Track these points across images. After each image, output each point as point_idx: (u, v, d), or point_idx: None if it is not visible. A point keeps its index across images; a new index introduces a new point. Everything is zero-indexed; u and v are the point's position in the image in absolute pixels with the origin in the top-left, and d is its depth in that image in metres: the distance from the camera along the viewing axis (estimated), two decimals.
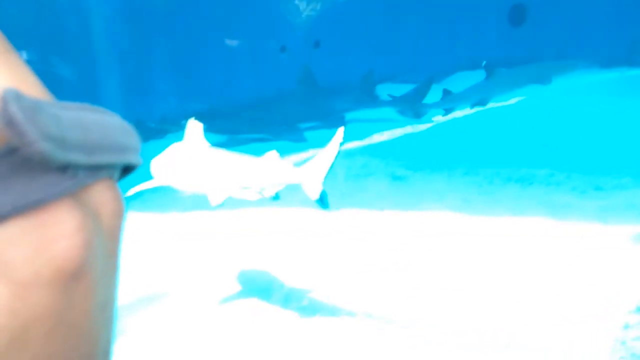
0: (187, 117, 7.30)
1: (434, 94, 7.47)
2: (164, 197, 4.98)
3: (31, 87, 0.33)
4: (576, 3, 10.17)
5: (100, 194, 0.33)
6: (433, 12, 9.78)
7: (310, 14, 8.79)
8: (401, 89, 9.21)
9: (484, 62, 6.36)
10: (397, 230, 4.35)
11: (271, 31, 8.36)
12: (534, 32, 10.06)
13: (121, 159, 0.35)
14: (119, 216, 0.35)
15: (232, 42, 8.04)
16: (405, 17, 9.76)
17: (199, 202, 3.70)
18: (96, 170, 0.33)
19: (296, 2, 8.73)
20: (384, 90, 8.81)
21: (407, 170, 5.77)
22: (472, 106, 7.31)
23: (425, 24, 9.66)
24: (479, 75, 7.44)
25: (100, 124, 0.34)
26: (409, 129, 7.28)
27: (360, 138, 6.89)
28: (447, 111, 7.32)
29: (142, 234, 4.35)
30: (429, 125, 7.43)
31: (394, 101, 7.75)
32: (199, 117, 3.36)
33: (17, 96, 0.29)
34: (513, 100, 7.93)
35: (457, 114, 7.53)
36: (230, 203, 3.06)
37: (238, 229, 4.46)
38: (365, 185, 5.34)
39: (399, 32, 9.62)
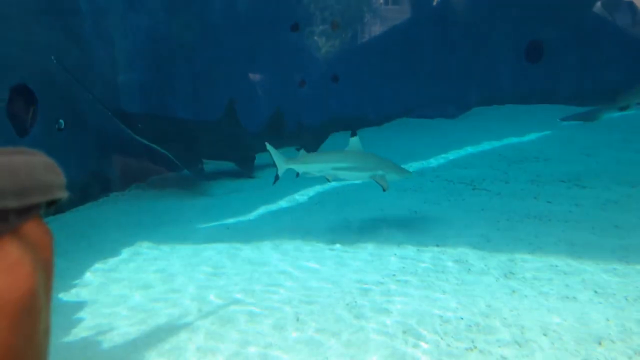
0: None
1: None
2: None
3: None
4: (593, 39, 10.24)
5: (32, 230, 0.36)
6: (450, 49, 9.90)
7: (329, 49, 8.95)
8: (419, 123, 9.28)
9: None
10: (416, 264, 4.31)
11: (292, 66, 8.50)
12: (551, 68, 10.12)
13: (47, 197, 0.38)
14: (50, 248, 0.38)
15: (253, 76, 8.18)
16: (423, 54, 9.88)
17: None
18: (27, 210, 0.36)
19: (316, 38, 8.89)
20: (403, 124, 8.87)
21: (424, 204, 5.76)
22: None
23: (443, 60, 9.76)
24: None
25: (28, 167, 0.37)
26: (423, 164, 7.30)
27: None
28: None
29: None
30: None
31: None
32: None
33: None
34: (530, 136, 7.92)
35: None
36: None
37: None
38: (380, 220, 5.33)
39: (418, 67, 9.72)
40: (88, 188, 5.84)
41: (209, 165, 7.20)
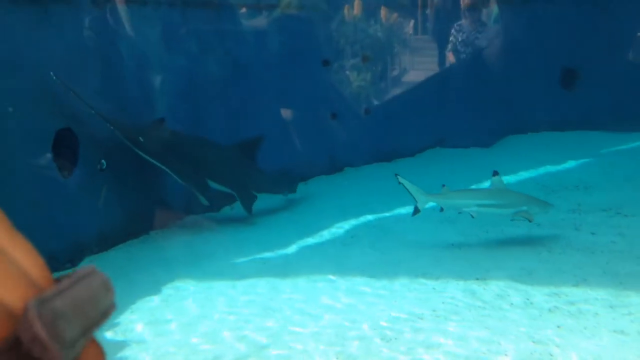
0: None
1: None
2: None
3: (38, 268, 0.37)
4: (627, 65, 10.11)
5: (89, 352, 0.39)
6: (483, 77, 9.89)
7: (360, 83, 9.04)
8: (453, 153, 9.24)
9: None
10: (458, 299, 4.25)
11: (323, 100, 8.61)
12: (585, 95, 10.00)
13: (104, 321, 0.41)
14: None
15: (285, 112, 8.31)
16: (455, 82, 9.90)
17: None
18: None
19: (347, 72, 9.01)
20: (436, 154, 8.83)
21: (462, 236, 5.70)
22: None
23: (476, 88, 9.75)
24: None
25: (90, 295, 0.40)
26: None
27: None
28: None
29: None
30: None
31: None
32: None
33: (39, 312, 0.34)
34: (569, 164, 7.80)
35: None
36: None
37: None
38: (421, 253, 5.29)
39: (450, 96, 9.73)
40: (129, 226, 5.97)
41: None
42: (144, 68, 6.49)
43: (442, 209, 5.38)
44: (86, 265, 0.41)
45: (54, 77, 4.93)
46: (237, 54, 7.53)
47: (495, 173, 5.46)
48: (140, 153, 5.76)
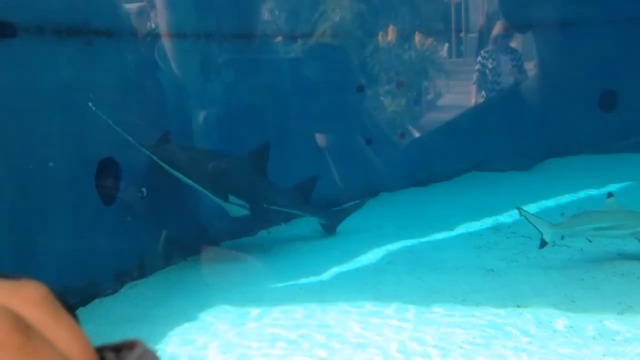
0: (278, 213, 7.47)
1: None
2: None
3: (82, 350, 0.38)
4: None
5: None
6: (520, 99, 9.80)
7: (395, 109, 9.07)
8: (490, 177, 9.12)
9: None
10: (498, 327, 4.16)
11: (358, 126, 8.66)
12: (625, 117, 9.79)
13: None
14: None
15: (320, 138, 8.37)
16: (491, 105, 9.83)
17: None
18: None
19: (381, 98, 9.05)
20: (473, 178, 8.74)
21: (501, 262, 5.59)
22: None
23: (513, 110, 9.66)
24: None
25: None
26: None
27: (450, 228, 6.79)
28: None
29: None
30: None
31: None
32: None
33: None
34: (611, 187, 7.59)
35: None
36: None
37: None
38: (459, 279, 5.21)
39: (486, 120, 9.65)
40: (168, 252, 6.07)
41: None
42: (183, 98, 6.66)
43: (562, 237, 5.32)
44: (131, 339, 0.42)
45: (90, 105, 4.98)
46: (272, 82, 7.67)
47: (610, 195, 5.42)
48: (174, 171, 5.78)
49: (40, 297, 0.36)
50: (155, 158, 5.69)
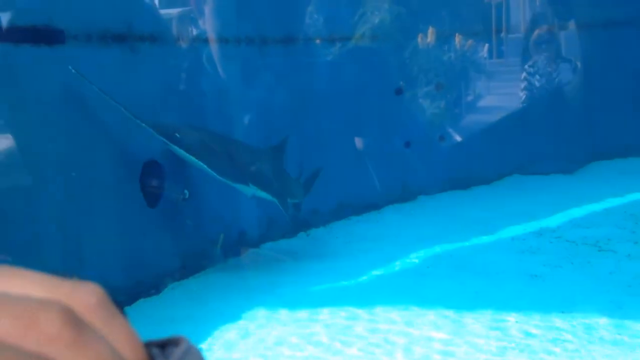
0: (316, 214, 7.54)
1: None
2: None
3: (136, 352, 0.38)
4: None
5: None
6: (564, 100, 9.59)
7: (434, 111, 8.98)
8: (532, 180, 8.94)
9: None
10: (542, 334, 4.08)
11: (397, 129, 8.61)
12: None
13: None
14: None
15: (359, 141, 8.36)
16: (534, 106, 9.65)
17: None
18: None
19: (420, 100, 8.98)
20: (515, 181, 8.57)
21: (545, 268, 5.47)
22: None
23: (557, 112, 9.45)
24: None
25: None
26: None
27: (491, 232, 6.68)
28: None
29: None
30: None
31: None
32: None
33: None
34: None
35: None
36: None
37: None
38: (502, 284, 5.12)
39: (529, 121, 9.48)
40: (207, 254, 6.15)
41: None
42: (224, 101, 6.75)
43: None
44: (176, 336, 0.43)
45: (73, 71, 4.69)
46: (311, 85, 7.70)
47: None
48: (177, 148, 5.46)
49: (96, 298, 0.37)
50: (169, 144, 5.41)
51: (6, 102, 4.35)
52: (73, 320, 0.34)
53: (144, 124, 5.10)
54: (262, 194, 6.18)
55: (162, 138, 5.31)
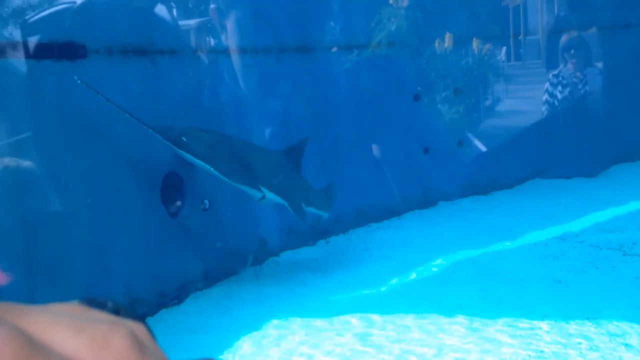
0: (336, 222, 7.53)
1: None
2: None
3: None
4: None
5: None
6: (585, 102, 9.48)
7: (452, 116, 8.94)
8: (554, 184, 8.83)
9: None
10: (567, 341, 4.02)
11: (415, 135, 8.59)
12: None
13: None
14: None
15: (377, 147, 8.35)
16: (555, 109, 9.55)
17: None
18: None
19: (438, 105, 8.95)
20: (537, 186, 8.49)
21: (568, 273, 5.40)
22: None
23: (577, 114, 9.35)
24: None
25: None
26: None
27: (513, 238, 6.62)
28: None
29: None
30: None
31: None
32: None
33: None
34: None
35: None
36: None
37: None
38: (524, 290, 5.06)
39: (550, 124, 9.38)
40: (229, 263, 6.19)
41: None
42: (242, 111, 6.81)
43: None
44: (207, 358, 0.45)
45: (78, 81, 4.61)
46: (329, 93, 7.72)
47: None
48: (183, 153, 5.29)
49: (142, 329, 0.39)
50: (176, 148, 5.25)
51: (31, 118, 4.43)
52: (138, 343, 0.36)
53: (150, 129, 4.99)
54: (273, 197, 5.93)
55: (168, 143, 5.17)
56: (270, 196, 5.91)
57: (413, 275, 5.84)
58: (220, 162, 5.44)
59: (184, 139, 5.25)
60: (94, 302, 0.40)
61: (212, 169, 5.33)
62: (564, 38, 9.45)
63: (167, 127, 5.28)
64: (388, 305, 5.07)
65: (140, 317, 0.42)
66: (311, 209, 6.34)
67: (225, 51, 6.63)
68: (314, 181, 7.57)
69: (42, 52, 4.65)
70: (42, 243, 4.36)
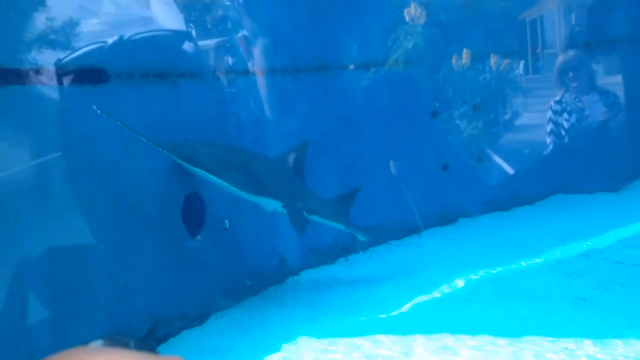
0: (355, 240, 7.52)
1: None
2: None
3: None
4: None
5: None
6: (608, 114, 9.37)
7: (471, 132, 8.90)
8: (576, 199, 8.72)
9: None
10: None
11: (434, 151, 8.57)
12: None
13: None
14: None
15: (395, 165, 8.34)
16: (578, 123, 9.46)
17: None
18: None
19: (457, 121, 8.92)
20: (559, 201, 8.38)
21: (594, 290, 5.31)
22: None
23: (598, 128, 9.24)
24: None
25: None
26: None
27: (536, 255, 6.54)
28: None
29: None
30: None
31: None
32: None
33: None
34: None
35: None
36: None
37: None
38: (549, 309, 4.98)
39: (572, 140, 9.28)
40: (249, 282, 6.20)
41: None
42: (261, 130, 6.86)
43: None
44: None
45: (98, 111, 4.61)
46: (346, 110, 7.75)
47: None
48: (198, 170, 5.15)
49: None
50: (174, 157, 5.12)
51: (54, 142, 4.52)
52: None
53: (164, 150, 4.96)
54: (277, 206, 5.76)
55: (179, 160, 5.09)
56: (275, 206, 5.73)
57: (435, 294, 5.79)
58: (234, 175, 5.31)
59: (196, 156, 5.16)
60: (118, 341, 0.42)
61: (226, 183, 5.23)
62: (567, 59, 9.35)
63: (178, 145, 5.19)
64: (409, 324, 5.02)
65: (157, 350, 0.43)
66: (314, 217, 6.10)
67: (243, 72, 6.71)
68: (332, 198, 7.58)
69: (65, 77, 4.75)
70: (66, 265, 4.42)
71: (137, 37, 5.31)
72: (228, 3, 6.98)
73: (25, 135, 4.35)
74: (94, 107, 4.57)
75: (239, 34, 6.83)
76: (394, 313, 5.41)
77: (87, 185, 4.69)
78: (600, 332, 4.39)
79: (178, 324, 5.22)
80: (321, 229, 7.38)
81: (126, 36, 5.21)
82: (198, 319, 5.39)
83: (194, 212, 5.60)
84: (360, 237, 6.79)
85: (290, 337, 4.99)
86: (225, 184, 5.22)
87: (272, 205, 5.75)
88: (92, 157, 4.78)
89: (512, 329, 4.64)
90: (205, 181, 5.41)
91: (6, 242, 4.06)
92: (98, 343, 0.58)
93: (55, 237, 4.38)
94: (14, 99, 4.28)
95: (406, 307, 5.54)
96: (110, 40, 5.08)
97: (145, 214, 5.13)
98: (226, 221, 5.91)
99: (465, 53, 8.88)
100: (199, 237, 5.65)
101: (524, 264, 6.28)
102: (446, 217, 8.40)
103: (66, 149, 4.58)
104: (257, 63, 6.78)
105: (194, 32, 6.44)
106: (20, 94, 4.32)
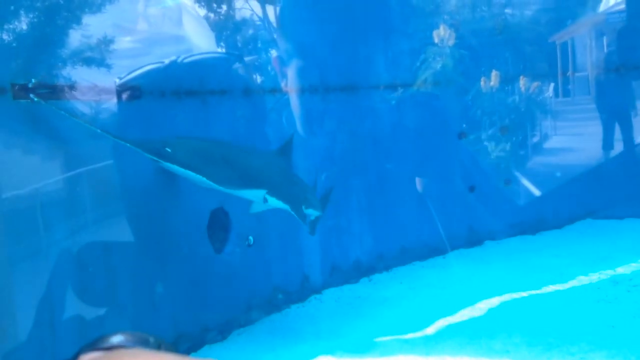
0: (379, 260, 7.48)
1: None
2: None
3: None
4: None
5: None
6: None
7: (499, 154, 8.83)
8: (606, 225, 8.55)
9: None
10: None
11: (461, 173, 8.51)
12: None
13: None
14: None
15: (422, 185, 8.31)
16: (605, 147, 9.32)
17: None
18: None
19: (484, 143, 8.87)
20: (588, 226, 8.23)
21: (623, 318, 5.17)
22: None
23: (631, 151, 9.09)
24: None
25: None
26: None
27: (564, 280, 6.41)
28: None
29: None
30: None
31: None
32: None
33: None
34: None
35: None
36: None
37: None
38: (577, 336, 4.87)
39: (601, 163, 9.14)
40: (273, 300, 6.21)
41: None
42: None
43: None
44: None
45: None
46: (373, 130, 7.77)
47: None
48: (169, 165, 4.68)
49: None
50: (160, 161, 4.66)
51: (89, 156, 4.62)
52: None
53: (127, 144, 4.46)
54: (274, 201, 5.45)
55: (150, 156, 4.56)
56: (272, 200, 5.44)
57: (459, 317, 5.71)
58: (212, 169, 4.83)
59: (168, 150, 4.64)
60: (139, 337, 0.43)
61: (203, 178, 4.74)
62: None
63: (148, 139, 4.71)
64: (433, 347, 4.96)
65: (179, 352, 0.45)
66: (310, 211, 5.90)
67: (272, 91, 6.80)
68: (357, 219, 7.58)
69: (100, 93, 4.88)
70: (93, 278, 4.49)
71: (169, 55, 5.44)
72: (258, 22, 7.10)
73: (58, 149, 4.47)
74: (62, 111, 4.35)
75: (274, 55, 6.93)
76: (418, 335, 5.35)
77: (115, 199, 4.78)
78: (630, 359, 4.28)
79: (200, 338, 5.25)
80: (345, 248, 7.38)
81: (158, 54, 5.34)
82: (220, 334, 5.41)
83: (219, 227, 5.65)
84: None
85: (311, 355, 4.97)
86: (204, 179, 4.75)
87: (258, 195, 5.34)
88: (121, 172, 4.88)
89: (536, 355, 4.55)
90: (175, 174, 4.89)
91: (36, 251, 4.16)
92: (118, 337, 0.60)
93: (82, 251, 4.47)
94: (47, 114, 4.41)
95: (431, 329, 5.47)
96: (143, 59, 5.22)
97: (171, 230, 5.20)
98: (250, 237, 5.95)
99: (494, 75, 8.85)
100: (224, 253, 5.69)
101: (551, 289, 6.17)
102: (472, 239, 8.31)
103: (97, 162, 4.69)
104: (286, 82, 6.87)
105: (224, 51, 6.57)
106: (53, 109, 4.44)
